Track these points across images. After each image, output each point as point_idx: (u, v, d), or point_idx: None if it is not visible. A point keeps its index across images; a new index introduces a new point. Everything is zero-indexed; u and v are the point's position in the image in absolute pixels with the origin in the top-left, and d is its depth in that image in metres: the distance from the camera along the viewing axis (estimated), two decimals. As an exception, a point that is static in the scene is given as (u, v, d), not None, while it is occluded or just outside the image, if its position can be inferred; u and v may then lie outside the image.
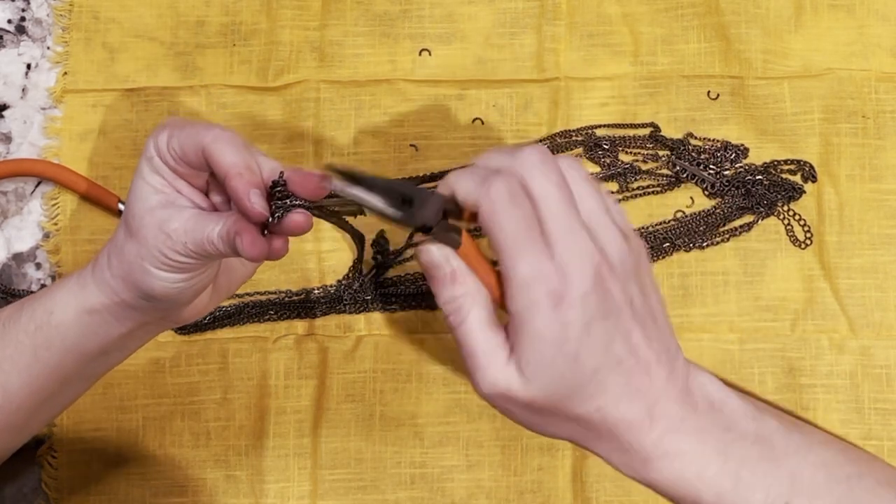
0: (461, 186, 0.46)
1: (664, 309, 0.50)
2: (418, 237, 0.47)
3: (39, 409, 0.55)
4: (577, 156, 0.67)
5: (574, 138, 0.67)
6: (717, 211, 0.66)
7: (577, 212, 0.47)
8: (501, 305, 0.47)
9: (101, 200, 0.66)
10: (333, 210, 0.50)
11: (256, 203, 0.48)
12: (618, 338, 0.47)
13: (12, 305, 0.55)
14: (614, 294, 0.46)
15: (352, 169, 0.47)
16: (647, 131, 0.67)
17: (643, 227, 0.66)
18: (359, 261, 0.65)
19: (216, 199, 0.53)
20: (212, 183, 0.52)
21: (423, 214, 0.46)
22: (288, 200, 0.49)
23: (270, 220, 0.49)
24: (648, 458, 0.48)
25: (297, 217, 0.49)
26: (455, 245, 0.47)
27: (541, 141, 0.67)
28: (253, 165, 0.49)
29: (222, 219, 0.49)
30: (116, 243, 0.52)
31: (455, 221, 0.47)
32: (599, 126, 0.67)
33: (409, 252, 0.66)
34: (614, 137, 0.67)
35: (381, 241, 0.66)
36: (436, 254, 0.47)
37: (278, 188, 0.49)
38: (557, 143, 0.67)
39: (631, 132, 0.67)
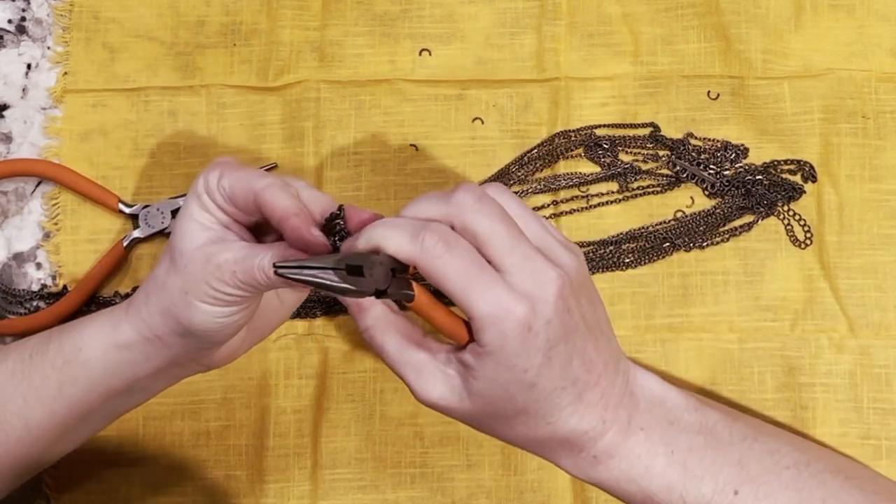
0: (392, 243, 0.46)
1: (606, 314, 0.51)
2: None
3: (56, 443, 0.55)
4: (576, 156, 0.67)
5: (574, 138, 0.67)
6: (717, 211, 0.66)
7: (527, 238, 0.48)
8: (466, 342, 0.48)
9: (102, 200, 0.66)
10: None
11: (318, 235, 0.48)
12: (575, 357, 0.48)
13: (38, 336, 0.54)
14: (573, 313, 0.48)
15: (296, 259, 0.47)
16: (647, 131, 0.67)
17: (643, 227, 0.66)
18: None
19: (268, 239, 0.53)
20: (261, 227, 0.52)
21: (374, 281, 0.46)
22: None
23: (337, 242, 0.49)
24: (597, 461, 0.50)
25: (366, 217, 0.49)
26: (409, 300, 0.48)
27: (540, 142, 0.67)
28: (305, 210, 0.49)
29: (273, 248, 0.49)
30: (157, 280, 0.51)
31: (404, 274, 0.48)
32: (599, 126, 0.67)
33: None
34: (614, 137, 0.67)
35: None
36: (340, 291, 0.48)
37: (337, 221, 0.49)
38: (557, 144, 0.67)
39: (631, 132, 0.67)
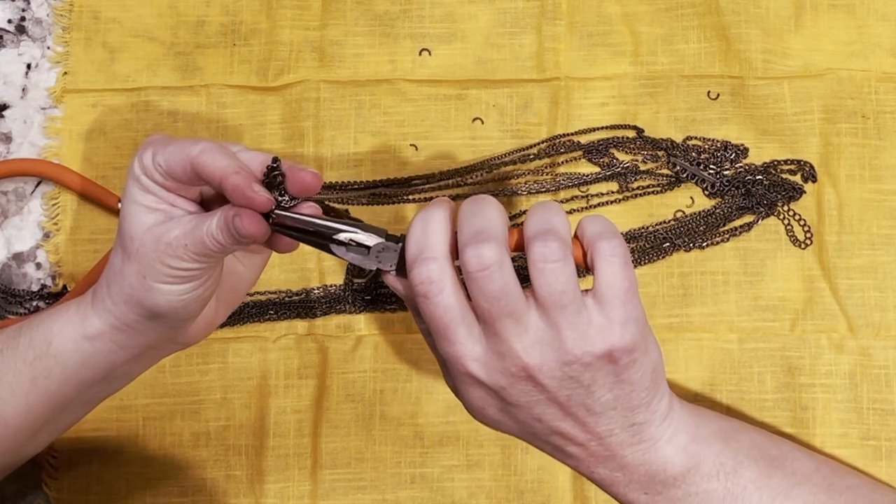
0: (408, 246, 0.49)
1: (634, 393, 0.50)
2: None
3: (37, 434, 0.54)
4: (577, 157, 0.67)
5: (573, 139, 0.67)
6: (717, 211, 0.66)
7: (515, 318, 0.47)
8: None
9: (101, 200, 0.66)
10: (308, 230, 0.50)
11: (260, 191, 0.48)
12: (547, 418, 0.50)
13: (7, 331, 0.54)
14: (546, 388, 0.48)
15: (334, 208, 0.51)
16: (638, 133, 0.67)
17: (643, 227, 0.66)
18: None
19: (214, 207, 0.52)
20: (206, 198, 0.52)
21: (377, 261, 0.49)
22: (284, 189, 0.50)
23: (279, 198, 0.49)
24: (606, 489, 0.53)
25: (306, 177, 0.49)
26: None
27: (540, 143, 0.67)
28: (245, 167, 0.49)
29: (216, 213, 0.49)
30: (113, 269, 0.51)
31: None
32: (597, 129, 0.67)
33: None
34: (614, 138, 0.67)
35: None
36: (395, 285, 0.51)
37: (275, 173, 0.49)
38: (557, 145, 0.67)
39: (630, 133, 0.67)
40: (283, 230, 0.49)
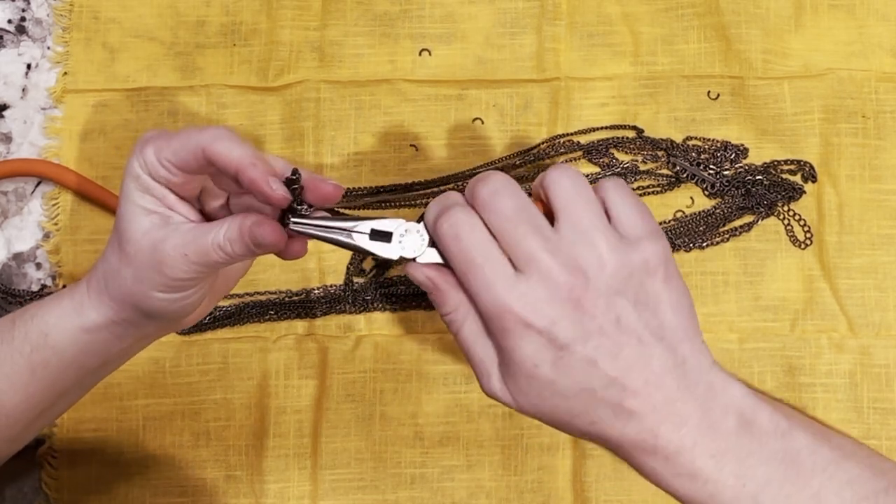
0: (427, 217, 0.48)
1: (680, 318, 0.47)
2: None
3: (36, 420, 0.54)
4: (577, 158, 0.67)
5: (573, 139, 0.67)
6: (717, 211, 0.66)
7: (539, 233, 0.46)
8: None
9: (102, 200, 0.66)
10: (328, 229, 0.50)
11: (278, 188, 0.47)
12: (601, 359, 0.46)
13: (1, 321, 0.53)
14: (594, 314, 0.45)
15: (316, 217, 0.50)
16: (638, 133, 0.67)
17: (643, 227, 0.66)
18: (359, 260, 0.66)
19: (214, 204, 0.52)
20: (206, 191, 0.52)
21: (401, 247, 0.49)
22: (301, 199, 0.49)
23: (296, 206, 0.48)
24: (659, 475, 0.47)
25: (328, 188, 0.49)
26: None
27: (541, 143, 0.67)
28: (262, 156, 0.48)
29: (224, 223, 0.48)
30: (111, 266, 0.50)
31: None
32: (597, 129, 0.67)
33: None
34: (614, 138, 0.67)
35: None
36: (416, 274, 0.49)
37: (294, 186, 0.48)
38: (557, 145, 0.67)
39: (629, 133, 0.67)
40: (303, 233, 0.49)
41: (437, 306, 0.49)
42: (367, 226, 0.49)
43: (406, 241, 0.48)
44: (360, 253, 0.49)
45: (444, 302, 0.48)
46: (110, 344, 0.52)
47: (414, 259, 0.49)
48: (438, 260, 0.48)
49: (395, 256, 0.49)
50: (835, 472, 0.48)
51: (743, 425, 0.48)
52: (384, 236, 0.49)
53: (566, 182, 0.47)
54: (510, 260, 0.46)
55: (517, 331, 0.45)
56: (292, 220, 0.49)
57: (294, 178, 0.48)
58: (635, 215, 0.47)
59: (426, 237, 0.48)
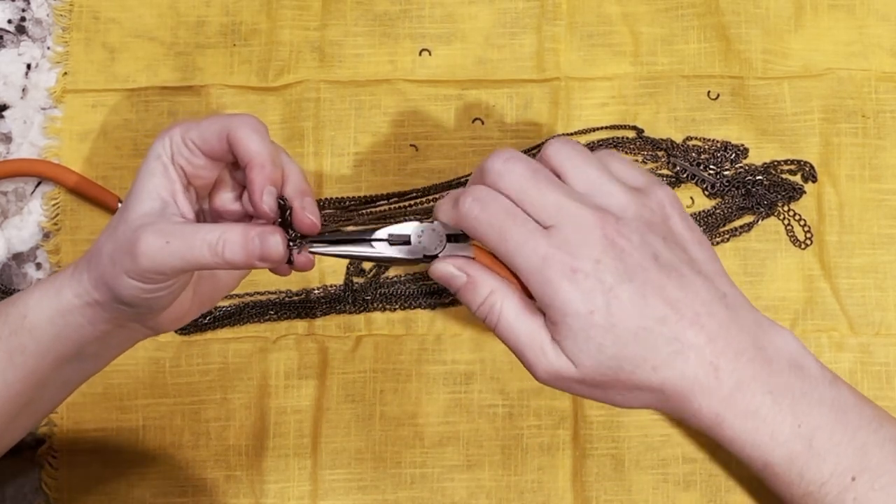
0: (441, 212, 0.50)
1: (708, 255, 0.49)
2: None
3: (17, 417, 0.54)
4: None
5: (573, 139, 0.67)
6: (717, 211, 0.66)
7: (561, 187, 0.48)
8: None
9: (101, 200, 0.66)
10: (346, 241, 0.51)
11: (267, 203, 0.48)
12: (650, 295, 0.46)
13: None
14: (631, 251, 0.47)
15: (340, 230, 0.50)
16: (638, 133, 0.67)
17: (643, 227, 0.66)
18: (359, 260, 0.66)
19: (224, 196, 0.53)
20: (221, 182, 0.52)
21: (423, 247, 0.50)
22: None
23: (290, 246, 0.49)
24: (720, 417, 0.48)
25: (305, 220, 0.49)
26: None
27: (541, 143, 0.67)
28: (277, 160, 0.49)
29: (222, 225, 0.48)
30: (98, 245, 0.50)
31: (464, 243, 0.50)
32: (597, 129, 0.67)
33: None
34: (614, 138, 0.67)
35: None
36: (445, 268, 0.49)
37: (286, 213, 0.49)
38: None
39: (629, 133, 0.67)
40: (324, 254, 0.50)
41: (468, 301, 0.49)
42: (382, 233, 0.50)
43: (425, 240, 0.49)
44: (385, 263, 0.50)
45: (477, 290, 0.49)
46: (82, 329, 0.51)
47: (437, 255, 0.49)
48: (460, 253, 0.49)
49: (420, 256, 0.50)
50: (878, 428, 0.49)
51: (794, 366, 0.48)
52: (402, 241, 0.50)
53: (568, 148, 0.49)
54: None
55: (565, 279, 0.46)
56: (311, 242, 0.49)
57: (282, 202, 0.49)
58: (635, 171, 0.50)
59: (443, 233, 0.49)
